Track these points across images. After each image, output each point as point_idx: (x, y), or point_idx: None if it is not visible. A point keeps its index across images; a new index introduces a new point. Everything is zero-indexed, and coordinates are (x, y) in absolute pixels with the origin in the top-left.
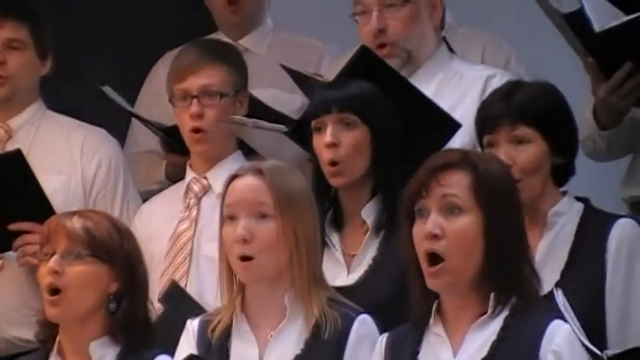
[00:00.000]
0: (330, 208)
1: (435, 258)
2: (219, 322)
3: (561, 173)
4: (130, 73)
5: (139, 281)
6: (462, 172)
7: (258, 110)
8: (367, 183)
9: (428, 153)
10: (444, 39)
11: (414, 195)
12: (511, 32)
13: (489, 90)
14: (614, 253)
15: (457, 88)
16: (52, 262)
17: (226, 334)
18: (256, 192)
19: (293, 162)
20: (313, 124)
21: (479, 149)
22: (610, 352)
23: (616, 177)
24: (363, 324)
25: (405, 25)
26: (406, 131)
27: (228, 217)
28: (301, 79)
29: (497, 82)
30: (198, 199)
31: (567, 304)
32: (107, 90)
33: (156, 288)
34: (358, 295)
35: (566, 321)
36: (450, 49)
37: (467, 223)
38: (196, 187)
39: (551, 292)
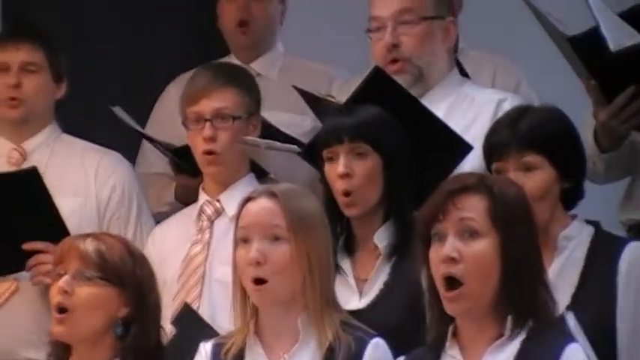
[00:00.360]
0: (342, 233)
1: (452, 282)
2: (232, 344)
3: (570, 197)
4: (141, 96)
5: (151, 307)
6: (478, 195)
7: (270, 133)
8: (379, 209)
9: (439, 175)
10: (458, 62)
11: (431, 219)
12: (521, 56)
13: (501, 114)
14: (625, 276)
15: (468, 112)
16: (62, 282)
17: (240, 357)
18: (270, 215)
19: (305, 183)
20: (325, 153)
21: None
22: None
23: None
24: (377, 347)
25: (419, 42)
26: (417, 153)
27: (241, 240)
28: (314, 101)
29: (508, 106)
30: (211, 222)
31: (579, 328)
32: (117, 110)
33: (168, 311)
34: (370, 319)
35: None
36: (464, 72)
37: (484, 247)
38: (209, 210)
39: (562, 316)
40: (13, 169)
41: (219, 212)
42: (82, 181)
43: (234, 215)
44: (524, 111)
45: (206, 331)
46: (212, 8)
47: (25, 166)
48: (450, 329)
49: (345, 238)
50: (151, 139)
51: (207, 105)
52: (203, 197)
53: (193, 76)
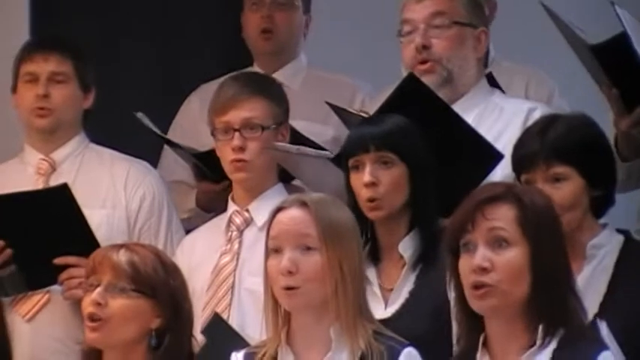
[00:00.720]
0: (367, 243)
1: (482, 287)
2: (264, 354)
3: (601, 204)
4: (167, 106)
5: (183, 318)
6: (507, 205)
7: (299, 142)
8: (404, 217)
9: (470, 184)
10: (491, 74)
11: (459, 230)
12: (552, 67)
13: (531, 123)
14: None
15: (497, 122)
16: (96, 294)
17: None
18: (301, 224)
19: (335, 191)
20: (351, 162)
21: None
22: None
23: None
24: (409, 357)
25: (450, 44)
26: (448, 161)
27: (273, 250)
28: (347, 117)
29: (538, 115)
30: (240, 232)
31: (611, 336)
32: (141, 116)
33: (197, 321)
34: (395, 329)
35: None
36: (495, 84)
37: (514, 256)
38: (238, 220)
39: (593, 323)
40: (42, 179)
41: (248, 222)
42: (112, 191)
43: (263, 225)
44: (552, 121)
45: (236, 340)
46: (237, 19)
47: (55, 176)
48: (481, 339)
49: (370, 247)
50: (174, 145)
51: (236, 115)
52: (232, 207)
53: (221, 87)
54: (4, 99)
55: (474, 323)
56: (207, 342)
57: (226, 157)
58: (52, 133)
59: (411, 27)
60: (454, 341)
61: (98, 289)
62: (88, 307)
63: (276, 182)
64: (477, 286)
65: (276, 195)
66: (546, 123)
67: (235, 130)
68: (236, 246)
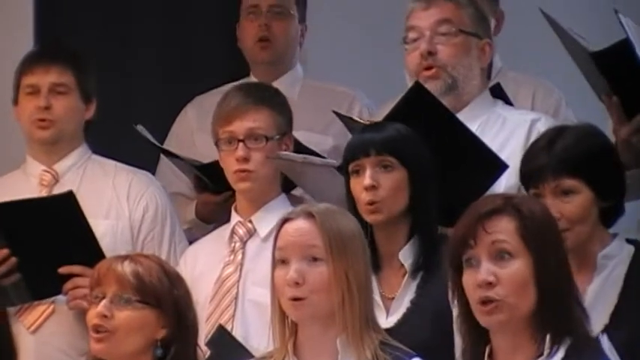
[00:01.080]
0: None
1: (489, 303)
2: None
3: (610, 214)
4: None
5: (188, 328)
6: (507, 217)
7: (303, 152)
8: (404, 224)
9: (474, 193)
10: (499, 85)
11: (461, 245)
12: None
13: (535, 133)
14: None
15: (501, 132)
16: (101, 307)
17: None
18: (308, 235)
19: (339, 200)
20: (351, 167)
21: (524, 192)
22: None
23: None
24: None
25: (455, 52)
26: (452, 170)
27: (280, 261)
28: (353, 125)
29: (542, 126)
30: (244, 243)
31: (613, 349)
32: (140, 129)
33: (201, 332)
34: (397, 338)
35: None
36: (504, 94)
37: (518, 267)
38: (241, 231)
39: (596, 337)
40: (45, 190)
41: (251, 233)
42: (115, 202)
43: (267, 236)
44: (558, 133)
45: (240, 352)
46: (233, 30)
47: (58, 187)
48: (487, 351)
49: (370, 255)
50: (175, 156)
51: (240, 125)
52: (235, 218)
53: (225, 97)
54: (6, 110)
55: (479, 336)
56: (212, 354)
57: (230, 167)
58: (54, 145)
59: (416, 34)
60: (458, 354)
61: (104, 302)
62: (93, 319)
63: (279, 193)
64: (484, 302)
65: (279, 206)
66: (553, 136)
67: (239, 140)
68: (239, 257)
